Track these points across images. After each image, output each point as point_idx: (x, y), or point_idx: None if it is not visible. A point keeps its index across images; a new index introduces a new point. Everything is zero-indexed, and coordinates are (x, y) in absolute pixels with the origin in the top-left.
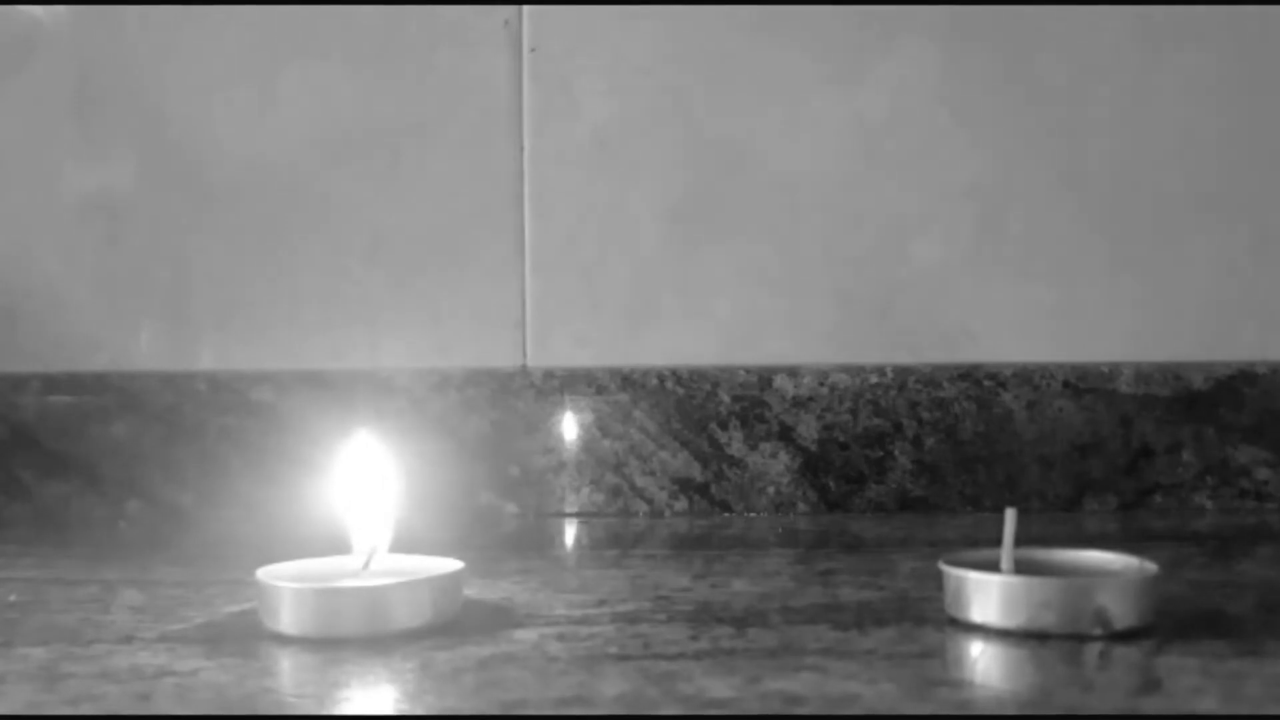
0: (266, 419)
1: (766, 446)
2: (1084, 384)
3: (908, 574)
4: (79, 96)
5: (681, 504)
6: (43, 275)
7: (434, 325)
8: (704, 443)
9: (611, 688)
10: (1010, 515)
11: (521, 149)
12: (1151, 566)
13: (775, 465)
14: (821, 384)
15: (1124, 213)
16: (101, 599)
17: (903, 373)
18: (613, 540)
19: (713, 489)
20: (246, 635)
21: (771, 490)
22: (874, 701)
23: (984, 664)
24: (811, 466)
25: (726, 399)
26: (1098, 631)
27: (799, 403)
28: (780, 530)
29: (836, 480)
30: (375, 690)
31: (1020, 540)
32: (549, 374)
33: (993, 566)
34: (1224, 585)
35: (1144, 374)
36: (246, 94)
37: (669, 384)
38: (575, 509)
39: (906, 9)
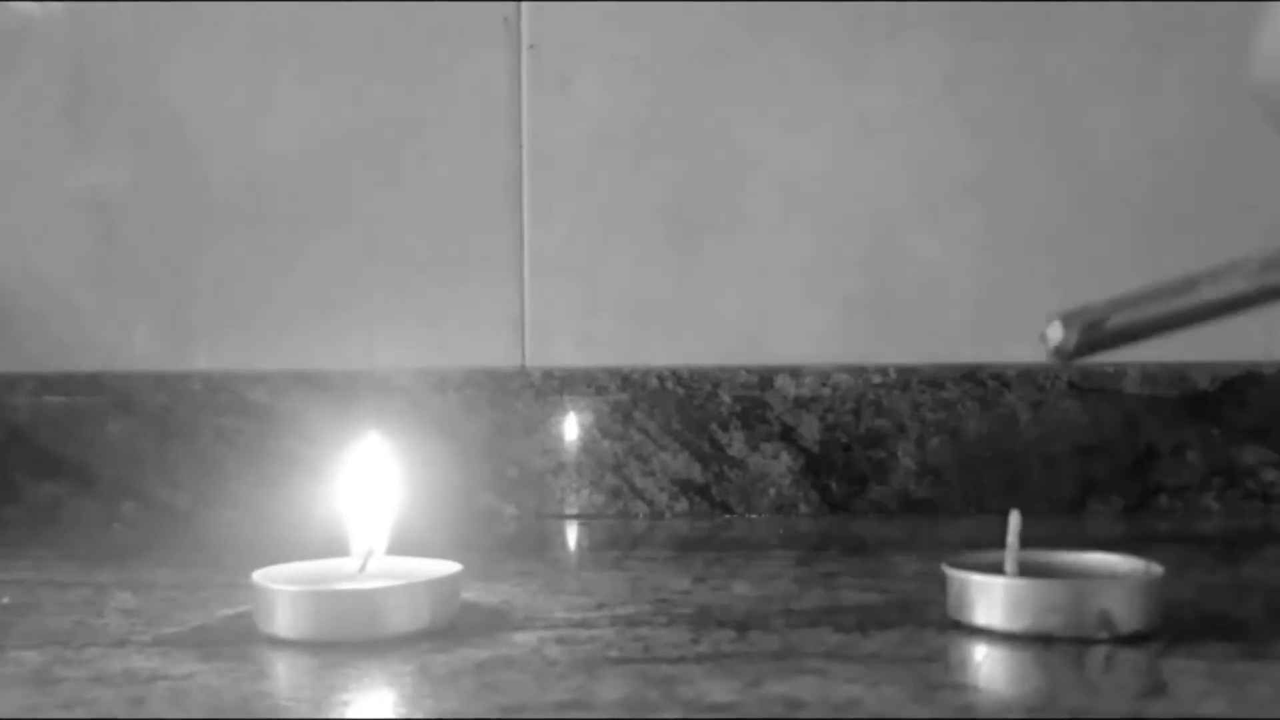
0: (263, 420)
1: (768, 447)
2: (1089, 384)
3: (910, 576)
4: (74, 94)
5: (682, 505)
6: (37, 274)
7: (432, 325)
8: (705, 444)
9: (611, 691)
10: (1014, 517)
11: (520, 147)
12: (1157, 569)
13: (777, 466)
14: (824, 384)
15: (1129, 211)
16: (95, 602)
17: (906, 373)
18: (612, 542)
19: (713, 490)
20: (242, 639)
21: (773, 491)
22: (876, 705)
23: (988, 667)
24: (813, 468)
25: (727, 399)
26: (1103, 634)
27: (801, 403)
28: (782, 532)
29: (839, 481)
30: (372, 694)
31: (1024, 542)
32: (548, 374)
33: (996, 569)
34: (1230, 587)
35: (1149, 374)
36: (243, 92)
37: (669, 384)
38: (575, 510)
39: (910, 5)
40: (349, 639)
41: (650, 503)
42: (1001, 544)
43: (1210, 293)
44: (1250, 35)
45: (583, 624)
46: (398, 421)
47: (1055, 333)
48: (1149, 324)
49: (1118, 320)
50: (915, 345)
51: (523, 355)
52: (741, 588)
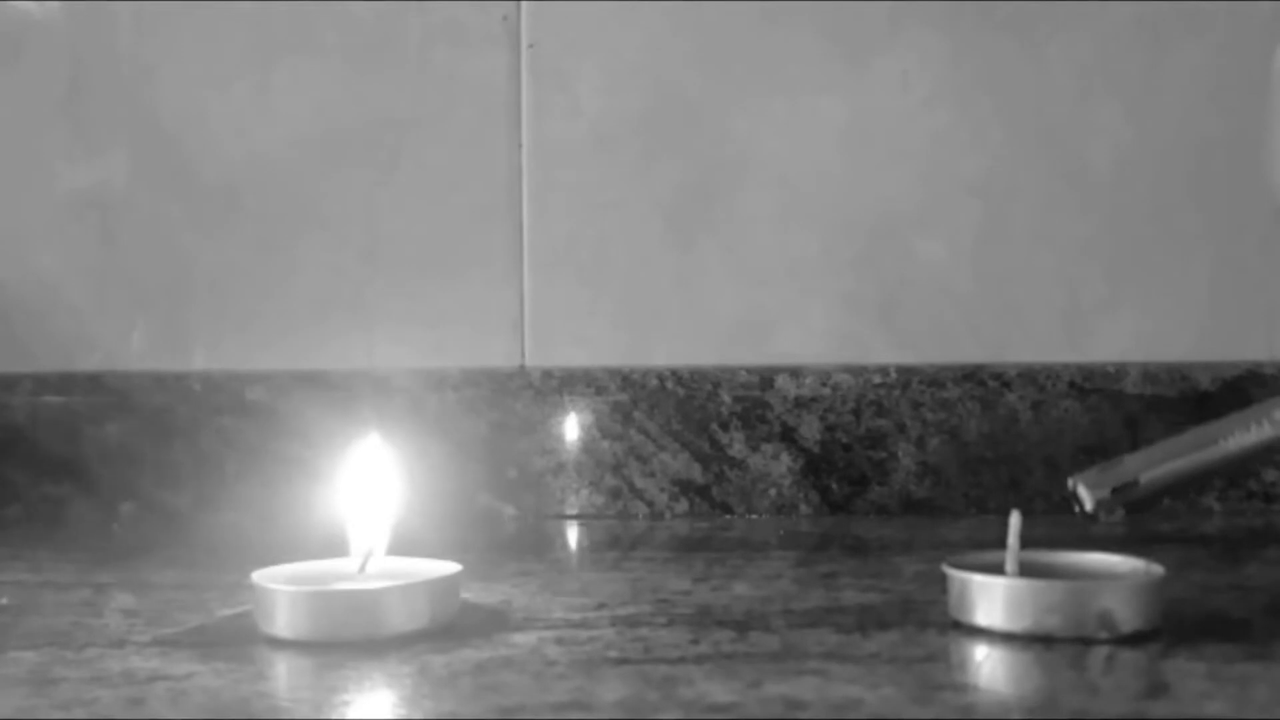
0: (261, 420)
1: (768, 448)
2: (1090, 384)
3: (911, 576)
4: (72, 92)
5: (682, 506)
6: (35, 274)
7: (431, 325)
8: (705, 444)
9: (611, 692)
10: (1015, 517)
11: (520, 146)
12: (1158, 569)
13: (777, 467)
14: (824, 384)
15: (1130, 210)
16: (94, 602)
17: (906, 373)
18: (612, 542)
19: (713, 491)
20: (241, 639)
21: (773, 492)
22: (877, 706)
23: (988, 668)
24: (814, 468)
25: (727, 399)
26: (1103, 635)
27: (801, 403)
28: (782, 532)
29: (839, 482)
30: (371, 695)
31: (1025, 542)
32: (548, 374)
33: (997, 569)
34: (1232, 588)
35: (1150, 374)
36: (242, 90)
37: (669, 384)
38: (574, 511)
39: (910, 4)
40: (348, 639)
41: (650, 503)
42: (1002, 544)
43: (1236, 442)
44: (1266, 150)
45: (582, 624)
46: (397, 422)
47: (1086, 496)
48: (1177, 479)
49: (1149, 478)
50: (915, 345)
51: (522, 355)
52: (741, 588)
